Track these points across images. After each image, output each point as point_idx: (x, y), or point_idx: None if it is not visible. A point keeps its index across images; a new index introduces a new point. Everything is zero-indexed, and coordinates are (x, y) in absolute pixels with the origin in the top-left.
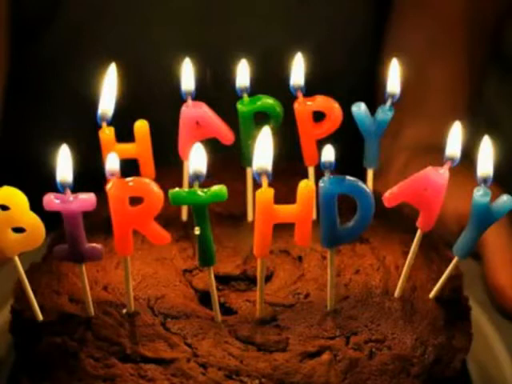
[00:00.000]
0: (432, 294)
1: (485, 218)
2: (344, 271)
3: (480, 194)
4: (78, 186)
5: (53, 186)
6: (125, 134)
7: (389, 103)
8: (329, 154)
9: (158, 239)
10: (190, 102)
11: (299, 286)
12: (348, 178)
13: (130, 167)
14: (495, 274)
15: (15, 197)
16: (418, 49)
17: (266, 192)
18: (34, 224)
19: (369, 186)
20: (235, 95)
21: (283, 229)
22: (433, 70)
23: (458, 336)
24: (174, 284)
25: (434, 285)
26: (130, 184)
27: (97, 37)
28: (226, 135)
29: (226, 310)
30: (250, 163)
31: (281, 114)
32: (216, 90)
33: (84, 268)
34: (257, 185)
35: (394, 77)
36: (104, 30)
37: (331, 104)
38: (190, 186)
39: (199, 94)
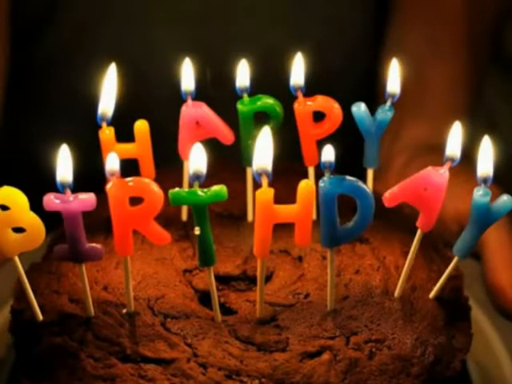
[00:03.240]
0: (432, 294)
1: (485, 217)
2: (344, 271)
3: (480, 194)
4: (78, 185)
5: (53, 186)
6: (125, 134)
7: (389, 103)
8: (329, 154)
9: (158, 239)
10: (189, 101)
11: (299, 286)
12: (348, 178)
13: (130, 167)
14: (495, 273)
15: (15, 197)
16: (417, 49)
17: (266, 192)
18: (34, 224)
19: (369, 186)
20: (235, 95)
21: (283, 229)
22: (433, 70)
23: (458, 336)
24: (174, 284)
25: (434, 285)
26: (130, 184)
27: (97, 37)
28: (226, 135)
29: (226, 310)
30: (250, 163)
31: (281, 113)
32: (216, 90)
33: (84, 268)
34: (257, 185)
35: (394, 77)
36: (104, 30)
37: (331, 104)
38: (190, 186)
39: (199, 94)
